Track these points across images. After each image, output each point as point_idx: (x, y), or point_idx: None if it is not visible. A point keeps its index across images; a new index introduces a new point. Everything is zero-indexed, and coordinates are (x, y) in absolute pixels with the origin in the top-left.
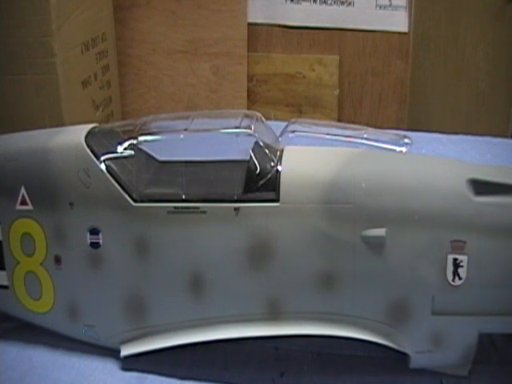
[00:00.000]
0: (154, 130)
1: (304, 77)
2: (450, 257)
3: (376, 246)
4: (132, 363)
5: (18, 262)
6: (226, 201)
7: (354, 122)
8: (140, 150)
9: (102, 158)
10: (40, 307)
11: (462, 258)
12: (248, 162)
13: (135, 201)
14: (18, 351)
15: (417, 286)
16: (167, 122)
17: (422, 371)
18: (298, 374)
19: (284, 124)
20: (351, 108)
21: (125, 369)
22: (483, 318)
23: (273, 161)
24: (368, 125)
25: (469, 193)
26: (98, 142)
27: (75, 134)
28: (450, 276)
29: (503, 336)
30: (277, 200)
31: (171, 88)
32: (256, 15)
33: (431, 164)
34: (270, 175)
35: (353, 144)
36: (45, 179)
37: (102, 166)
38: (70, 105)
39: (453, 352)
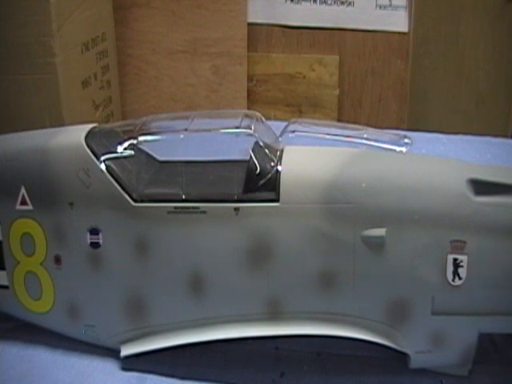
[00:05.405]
0: (154, 130)
1: (304, 77)
2: (450, 257)
3: (376, 246)
4: (132, 363)
5: (18, 262)
6: (225, 201)
7: (354, 122)
8: (140, 150)
9: (102, 158)
10: (40, 307)
11: (462, 258)
12: (248, 161)
13: (135, 201)
14: (18, 351)
15: (417, 286)
16: (167, 122)
17: (422, 371)
18: (298, 374)
19: (284, 124)
20: (351, 108)
21: (125, 369)
22: (483, 318)
23: (273, 161)
24: (368, 125)
25: (469, 193)
26: (98, 142)
27: (75, 134)
28: (450, 276)
29: (503, 336)
30: (277, 200)
31: (171, 88)
32: (256, 15)
33: (431, 164)
34: (270, 175)
35: (353, 144)
36: (45, 179)
37: (102, 166)
38: (70, 105)
39: (453, 352)
